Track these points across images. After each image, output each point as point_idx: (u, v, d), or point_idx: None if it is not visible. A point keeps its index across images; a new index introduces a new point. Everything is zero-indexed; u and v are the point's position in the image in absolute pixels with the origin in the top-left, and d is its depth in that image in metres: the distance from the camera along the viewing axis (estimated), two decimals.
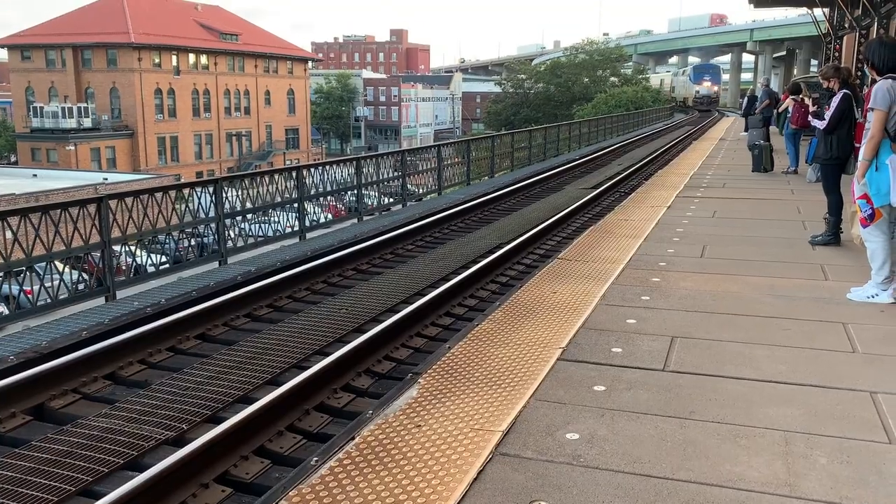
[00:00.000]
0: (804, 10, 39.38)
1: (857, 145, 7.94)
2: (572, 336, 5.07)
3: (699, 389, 4.19)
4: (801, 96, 15.09)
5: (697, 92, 67.60)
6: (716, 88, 69.02)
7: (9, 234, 7.87)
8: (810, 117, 8.88)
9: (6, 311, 8.19)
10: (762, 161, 15.38)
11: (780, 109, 15.28)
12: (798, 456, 3.43)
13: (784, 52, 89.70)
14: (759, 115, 18.43)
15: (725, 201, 11.50)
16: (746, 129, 20.64)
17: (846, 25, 29.28)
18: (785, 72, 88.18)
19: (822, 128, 8.14)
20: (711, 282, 6.54)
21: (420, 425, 3.77)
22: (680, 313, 5.63)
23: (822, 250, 7.89)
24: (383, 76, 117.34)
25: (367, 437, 3.67)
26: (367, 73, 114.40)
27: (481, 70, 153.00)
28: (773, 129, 18.45)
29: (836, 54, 30.37)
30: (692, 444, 3.56)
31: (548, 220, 12.91)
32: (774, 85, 67.60)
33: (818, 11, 34.13)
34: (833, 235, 8.12)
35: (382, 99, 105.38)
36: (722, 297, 6.06)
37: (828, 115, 8.03)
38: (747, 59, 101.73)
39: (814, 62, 72.70)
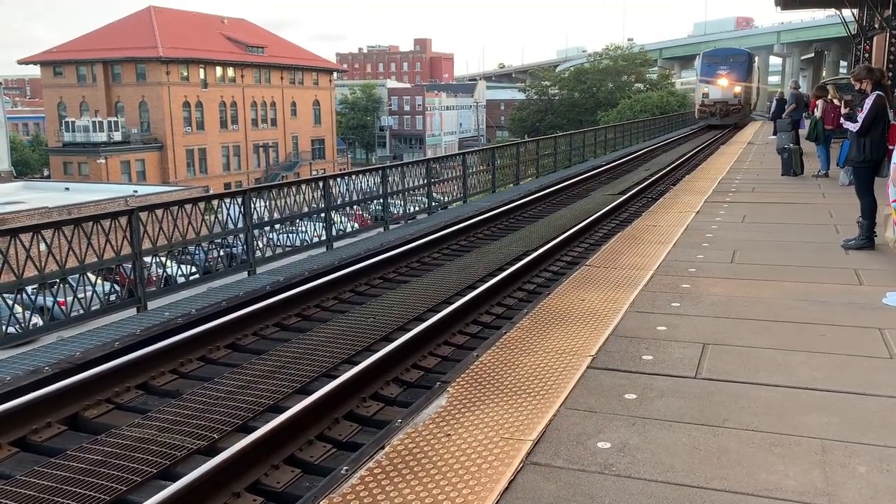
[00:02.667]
0: (832, 11, 38.89)
1: (890, 147, 7.81)
2: (602, 343, 5.03)
3: (732, 397, 4.13)
4: (829, 97, 14.88)
5: (706, 95, 42.41)
6: (738, 88, 41.68)
7: (43, 247, 8.01)
8: (842, 119, 8.74)
9: (41, 323, 8.33)
10: (792, 165, 15.18)
11: (819, 115, 14.95)
12: (836, 465, 3.36)
13: (812, 54, 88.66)
14: (788, 118, 18.20)
15: (755, 206, 11.36)
16: (775, 133, 20.41)
17: (876, 26, 28.86)
18: (813, 74, 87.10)
19: (854, 130, 8.01)
20: (742, 287, 6.46)
21: (450, 434, 3.75)
22: (711, 320, 5.57)
23: (856, 254, 7.75)
24: (407, 85, 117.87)
25: (396, 446, 3.66)
26: (392, 83, 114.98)
27: (505, 77, 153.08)
28: (801, 131, 18.22)
29: (866, 55, 29.92)
30: (726, 452, 3.51)
31: (574, 226, 12.84)
32: (804, 87, 61.13)
33: (847, 12, 33.67)
34: (867, 239, 7.97)
35: (407, 108, 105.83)
36: (754, 303, 5.97)
37: (860, 117, 7.90)
38: (775, 61, 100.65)
39: (843, 63, 71.69)
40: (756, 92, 51.31)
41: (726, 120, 41.99)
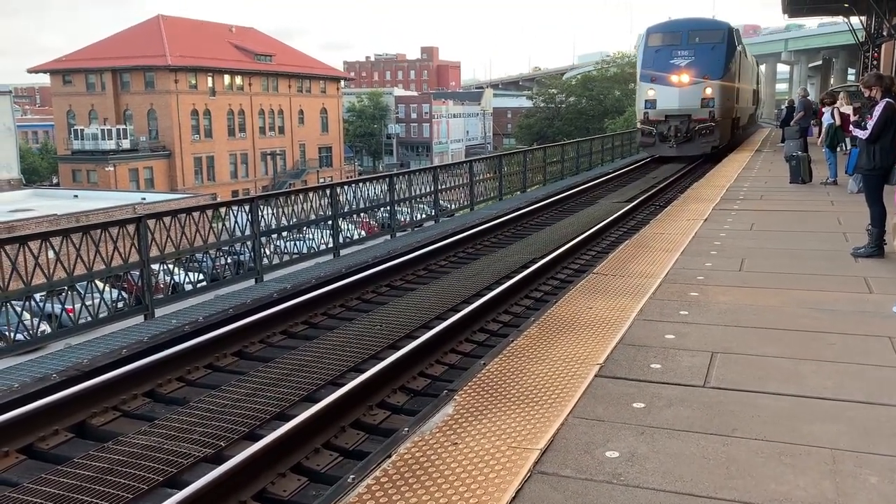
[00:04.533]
0: (840, 18, 38.89)
1: None
2: (610, 352, 5.01)
3: (741, 406, 4.10)
4: (839, 103, 14.82)
5: (650, 102, 25.07)
6: (710, 90, 24.22)
7: (51, 254, 8.04)
8: (851, 127, 8.70)
9: (49, 330, 8.35)
10: (800, 172, 15.12)
11: (839, 122, 14.82)
12: (847, 475, 3.33)
13: (820, 62, 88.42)
14: (796, 125, 18.15)
15: (763, 213, 11.31)
16: (784, 140, 20.33)
17: (884, 33, 28.82)
18: (821, 81, 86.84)
19: (864, 138, 7.97)
20: (751, 296, 6.43)
21: (457, 443, 3.74)
22: (720, 328, 5.54)
23: (865, 263, 7.71)
24: (414, 93, 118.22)
25: (403, 454, 3.65)
26: (399, 91, 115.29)
27: (512, 85, 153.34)
28: (810, 139, 18.14)
29: (875, 62, 29.87)
30: (735, 462, 3.48)
31: (582, 234, 12.81)
32: (812, 95, 58.55)
33: (855, 20, 33.65)
34: (876, 247, 7.93)
35: (414, 116, 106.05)
36: (762, 311, 5.94)
37: (870, 124, 7.86)
38: (782, 69, 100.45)
39: (851, 71, 71.50)
40: (752, 97, 34.19)
41: (687, 149, 24.27)
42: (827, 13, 41.38)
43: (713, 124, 23.99)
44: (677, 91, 24.07)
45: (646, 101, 24.89)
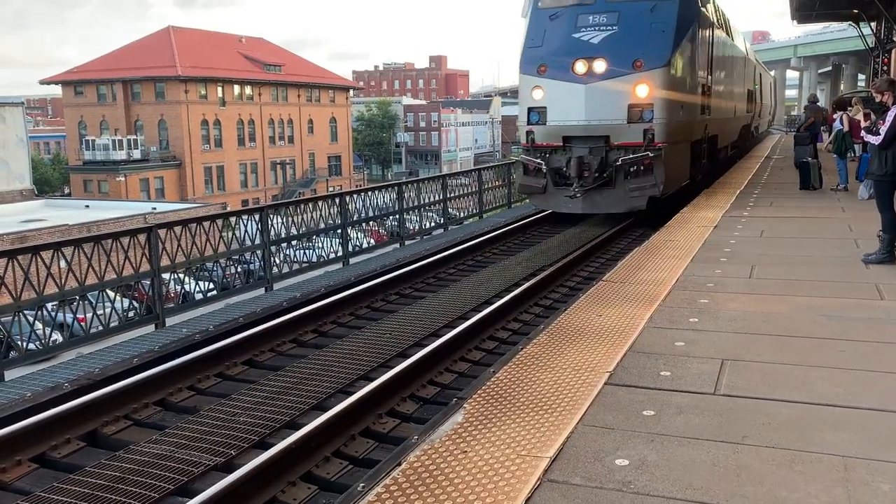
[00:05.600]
0: (849, 23, 38.79)
1: None
2: (619, 360, 4.99)
3: (751, 413, 4.09)
4: (849, 110, 14.77)
5: (535, 114, 13.24)
6: (645, 90, 12.34)
7: (63, 264, 8.11)
8: (863, 133, 8.65)
9: (60, 339, 8.41)
10: (810, 178, 15.05)
11: (847, 128, 14.74)
12: (859, 482, 3.31)
13: (830, 68, 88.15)
14: (806, 131, 18.08)
15: (773, 220, 11.27)
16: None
17: (894, 38, 28.73)
18: (831, 87, 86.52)
19: (876, 143, 7.93)
20: (761, 303, 6.40)
21: (466, 451, 3.74)
22: (730, 335, 5.52)
23: (877, 269, 7.66)
24: (423, 102, 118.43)
25: (413, 462, 3.65)
26: (408, 100, 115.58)
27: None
28: (819, 145, 18.06)
29: (885, 68, 29.77)
30: (746, 469, 3.46)
31: (591, 241, 12.80)
32: (822, 101, 58.27)
33: (864, 26, 33.57)
34: (888, 253, 7.88)
35: (422, 124, 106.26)
36: (773, 319, 5.92)
37: (882, 130, 7.82)
38: (792, 75, 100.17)
39: (861, 77, 71.23)
40: (748, 101, 24.40)
41: (602, 202, 13.39)
42: (836, 19, 41.25)
43: (651, 154, 12.92)
44: (583, 90, 13.00)
45: (529, 108, 13.75)
